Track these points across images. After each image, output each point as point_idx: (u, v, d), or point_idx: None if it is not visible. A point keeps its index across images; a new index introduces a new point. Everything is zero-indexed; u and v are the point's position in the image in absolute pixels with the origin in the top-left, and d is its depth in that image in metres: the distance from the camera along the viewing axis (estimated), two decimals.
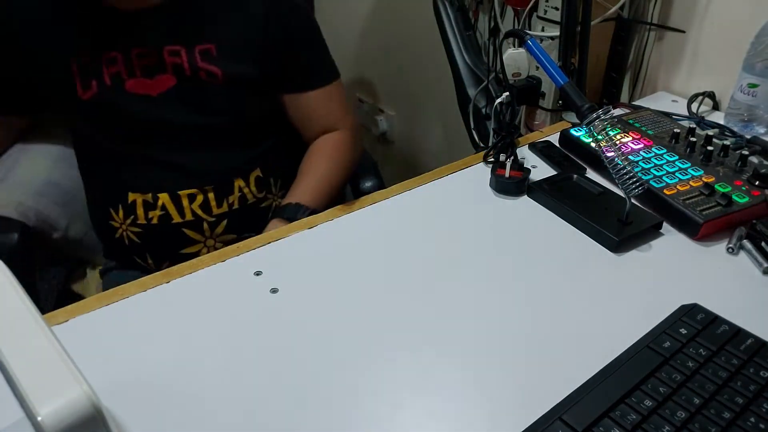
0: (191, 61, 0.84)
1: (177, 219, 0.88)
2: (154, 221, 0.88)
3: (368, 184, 1.05)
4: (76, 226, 1.01)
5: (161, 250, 0.90)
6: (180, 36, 0.83)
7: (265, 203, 0.96)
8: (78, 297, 1.00)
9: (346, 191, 1.09)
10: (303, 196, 0.90)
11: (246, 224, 0.92)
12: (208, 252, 0.84)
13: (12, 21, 0.80)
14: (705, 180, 0.73)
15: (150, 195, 0.88)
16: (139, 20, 0.81)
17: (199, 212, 0.89)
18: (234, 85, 0.87)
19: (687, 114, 0.98)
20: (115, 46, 0.81)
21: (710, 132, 0.86)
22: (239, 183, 0.92)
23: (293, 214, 0.84)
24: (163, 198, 0.87)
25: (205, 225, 0.89)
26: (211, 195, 0.89)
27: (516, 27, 1.20)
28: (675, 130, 0.83)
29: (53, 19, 0.80)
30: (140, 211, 0.88)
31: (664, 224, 0.70)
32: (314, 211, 0.83)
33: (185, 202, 0.88)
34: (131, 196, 0.88)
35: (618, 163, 0.65)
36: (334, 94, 0.97)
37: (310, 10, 0.95)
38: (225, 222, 0.91)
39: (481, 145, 1.23)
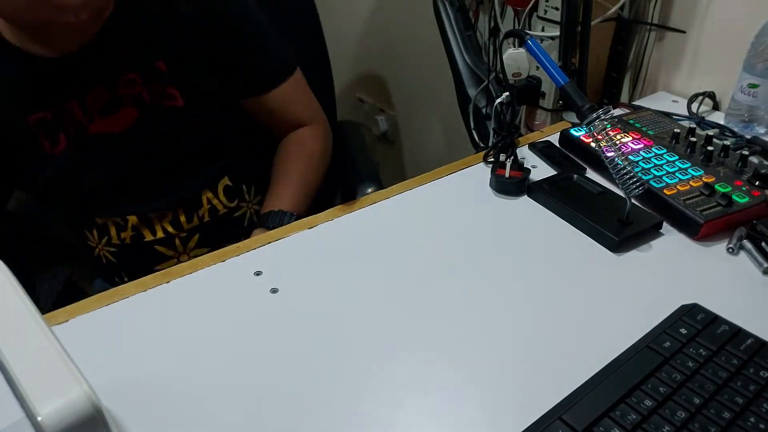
0: (149, 86, 0.80)
1: (149, 237, 0.87)
2: (127, 241, 0.87)
3: (369, 190, 1.04)
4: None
5: (136, 268, 0.84)
6: (129, 62, 0.79)
7: (239, 212, 0.94)
8: (80, 293, 1.00)
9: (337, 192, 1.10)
10: (283, 203, 0.87)
11: (220, 235, 0.90)
12: None
13: None
14: (705, 180, 0.73)
15: (119, 218, 0.87)
16: (81, 61, 0.76)
17: (170, 229, 0.87)
18: (195, 102, 0.83)
19: (687, 114, 0.98)
20: (68, 95, 0.76)
21: (710, 132, 0.86)
22: (207, 195, 0.90)
23: (277, 222, 0.82)
24: (132, 219, 0.87)
25: (177, 241, 0.88)
26: (180, 211, 0.88)
27: (516, 27, 1.20)
28: (675, 130, 0.83)
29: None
30: (113, 231, 0.87)
31: (664, 224, 0.70)
32: (298, 216, 0.81)
33: (155, 221, 0.87)
34: (100, 220, 0.87)
35: (618, 163, 0.65)
36: (293, 91, 0.92)
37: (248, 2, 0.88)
38: (197, 236, 0.89)
39: (481, 145, 1.23)
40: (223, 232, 0.91)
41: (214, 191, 0.91)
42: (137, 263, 0.88)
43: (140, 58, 0.79)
